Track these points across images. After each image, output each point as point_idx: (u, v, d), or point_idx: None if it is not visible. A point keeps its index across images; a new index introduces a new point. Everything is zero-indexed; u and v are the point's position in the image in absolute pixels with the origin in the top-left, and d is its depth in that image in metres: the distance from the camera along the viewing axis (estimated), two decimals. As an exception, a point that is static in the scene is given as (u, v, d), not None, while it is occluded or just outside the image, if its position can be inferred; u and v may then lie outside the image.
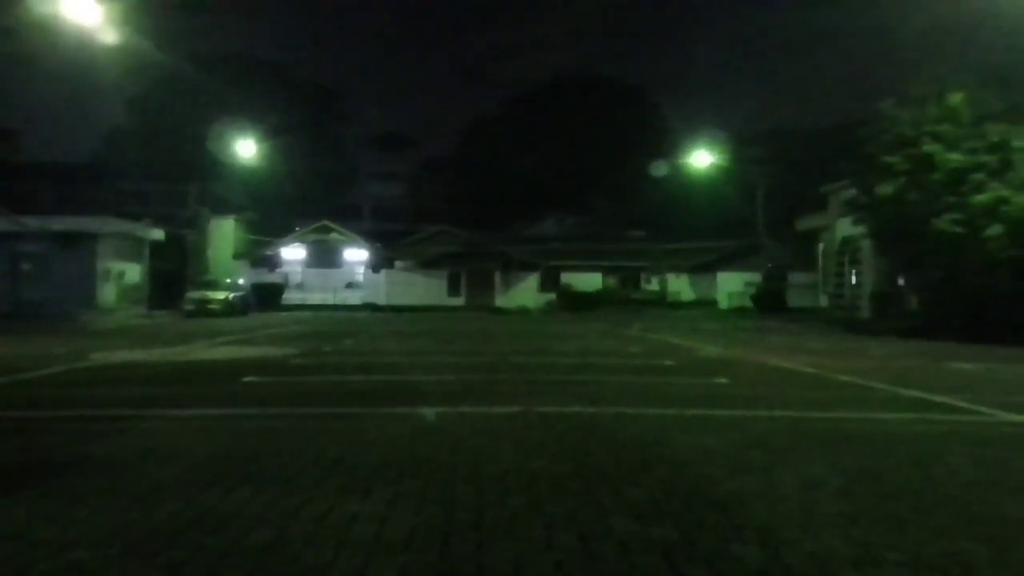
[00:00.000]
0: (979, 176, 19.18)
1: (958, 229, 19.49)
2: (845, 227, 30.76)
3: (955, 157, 19.38)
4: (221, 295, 35.02)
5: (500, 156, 73.18)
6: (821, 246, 36.86)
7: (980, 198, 18.85)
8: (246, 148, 41.37)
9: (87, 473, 4.67)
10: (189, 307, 34.15)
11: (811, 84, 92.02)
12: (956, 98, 20.04)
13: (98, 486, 4.35)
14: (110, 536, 3.49)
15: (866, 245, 29.07)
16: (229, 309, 34.35)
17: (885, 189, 21.14)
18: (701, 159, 39.24)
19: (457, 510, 3.91)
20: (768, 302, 38.25)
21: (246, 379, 9.53)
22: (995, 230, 18.54)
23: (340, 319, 32.00)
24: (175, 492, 4.23)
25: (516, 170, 71.97)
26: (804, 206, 38.77)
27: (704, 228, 49.14)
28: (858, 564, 3.20)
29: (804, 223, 37.63)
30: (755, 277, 43.21)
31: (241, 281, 40.29)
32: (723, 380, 9.69)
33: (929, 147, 20.02)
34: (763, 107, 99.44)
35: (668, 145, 67.42)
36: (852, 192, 26.23)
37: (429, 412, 6.90)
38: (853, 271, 31.01)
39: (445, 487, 4.34)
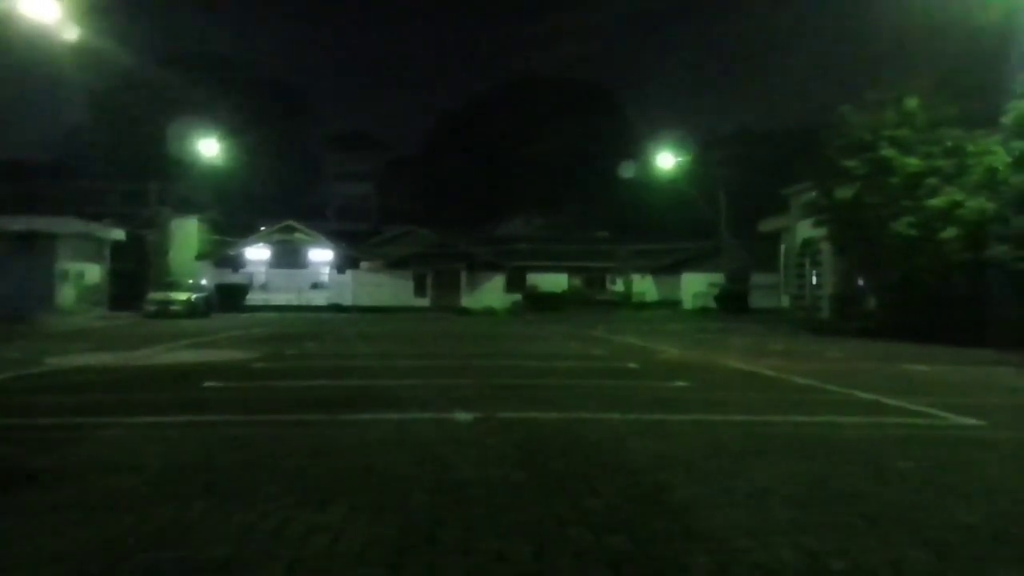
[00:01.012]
0: (935, 180, 19.60)
1: (914, 232, 19.89)
2: (806, 229, 31.20)
3: (912, 161, 19.78)
4: (183, 296, 34.54)
5: (467, 156, 73.18)
6: (783, 247, 37.36)
7: (935, 202, 19.25)
8: (208, 147, 40.93)
9: (37, 486, 4.59)
10: (151, 308, 33.61)
11: (774, 87, 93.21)
12: (912, 103, 20.45)
13: (48, 500, 4.28)
14: (58, 554, 3.44)
15: (826, 247, 29.52)
16: (191, 310, 33.88)
17: (844, 192, 21.51)
18: (666, 161, 39.55)
19: (414, 522, 3.91)
20: (731, 303, 38.71)
21: (207, 384, 9.43)
22: (950, 233, 18.95)
23: (304, 321, 31.76)
24: (130, 505, 4.18)
25: (483, 170, 72.02)
26: (767, 208, 39.28)
27: (669, 229, 49.55)
28: (804, 574, 3.26)
29: (767, 225, 38.10)
30: (719, 278, 43.69)
31: (204, 282, 39.78)
32: (684, 383, 9.78)
33: (887, 151, 20.40)
34: (728, 110, 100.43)
35: (634, 147, 67.97)
36: (812, 195, 26.64)
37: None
38: (813, 272, 31.49)
39: (403, 498, 4.34)
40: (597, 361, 13.26)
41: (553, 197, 66.34)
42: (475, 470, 4.98)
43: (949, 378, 11.32)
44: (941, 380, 11.02)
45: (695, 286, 43.83)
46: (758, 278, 41.65)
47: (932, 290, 21.22)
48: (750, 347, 17.14)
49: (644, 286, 46.20)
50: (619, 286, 45.69)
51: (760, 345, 17.80)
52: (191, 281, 37.93)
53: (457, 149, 74.47)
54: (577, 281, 47.66)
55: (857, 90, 23.67)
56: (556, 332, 22.54)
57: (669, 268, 45.89)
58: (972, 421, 7.10)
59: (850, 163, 21.46)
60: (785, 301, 36.51)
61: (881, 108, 21.42)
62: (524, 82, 78.48)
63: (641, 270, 45.90)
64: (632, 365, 12.33)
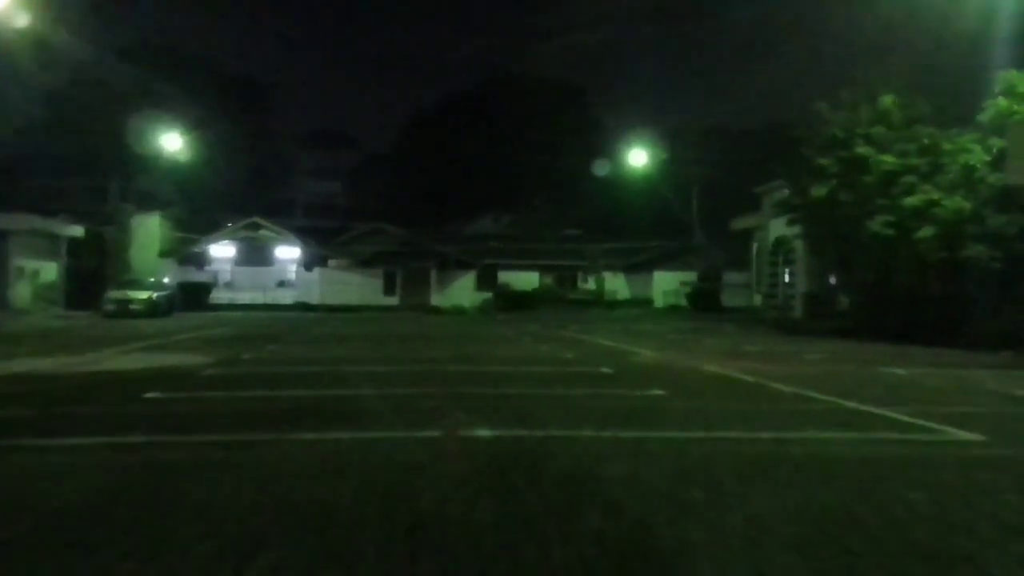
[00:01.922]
0: (910, 179, 19.28)
1: (889, 231, 19.57)
2: (778, 227, 30.91)
3: (887, 159, 19.44)
4: (144, 295, 33.46)
5: (438, 154, 72.32)
6: (755, 246, 37.11)
7: (911, 200, 18.93)
8: (172, 142, 39.79)
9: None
10: (109, 308, 32.53)
11: (745, 87, 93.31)
12: (887, 101, 20.12)
13: (-85, 554, 3.57)
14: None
15: (799, 245, 29.25)
16: (152, 310, 32.85)
17: (818, 191, 21.14)
18: (638, 158, 39.11)
19: (352, 581, 3.27)
20: (703, 301, 38.39)
21: (147, 395, 8.67)
22: (926, 232, 18.62)
23: (269, 320, 30.86)
24: (11, 561, 3.48)
25: (454, 168, 71.22)
26: (739, 206, 39.02)
27: (641, 227, 49.19)
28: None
29: (739, 223, 37.83)
30: (690, 276, 43.39)
31: (166, 280, 38.64)
32: (660, 392, 9.21)
33: (862, 149, 20.05)
34: (699, 109, 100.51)
35: (605, 145, 67.58)
36: (785, 193, 26.31)
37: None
38: (786, 271, 31.20)
39: (345, 545, 3.68)
40: (569, 365, 12.66)
41: (523, 195, 65.74)
42: (432, 505, 4.33)
43: (928, 382, 10.88)
44: (922, 385, 10.57)
45: (666, 284, 43.51)
46: (730, 277, 41.44)
47: (906, 290, 20.95)
48: (725, 349, 16.66)
49: (616, 284, 45.79)
50: (591, 284, 45.24)
51: (735, 346, 17.34)
52: (152, 279, 36.80)
53: (428, 147, 73.60)
54: (548, 279, 47.15)
55: (830, 90, 23.35)
56: (527, 333, 21.94)
57: (641, 266, 45.53)
58: (971, 436, 6.58)
59: (825, 161, 21.11)
60: (757, 300, 36.26)
61: (856, 106, 21.08)
62: (495, 80, 77.79)
63: (613, 268, 45.50)
64: (605, 370, 11.74)
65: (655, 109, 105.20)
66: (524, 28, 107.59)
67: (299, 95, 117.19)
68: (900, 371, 12.15)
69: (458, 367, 11.92)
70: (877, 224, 19.68)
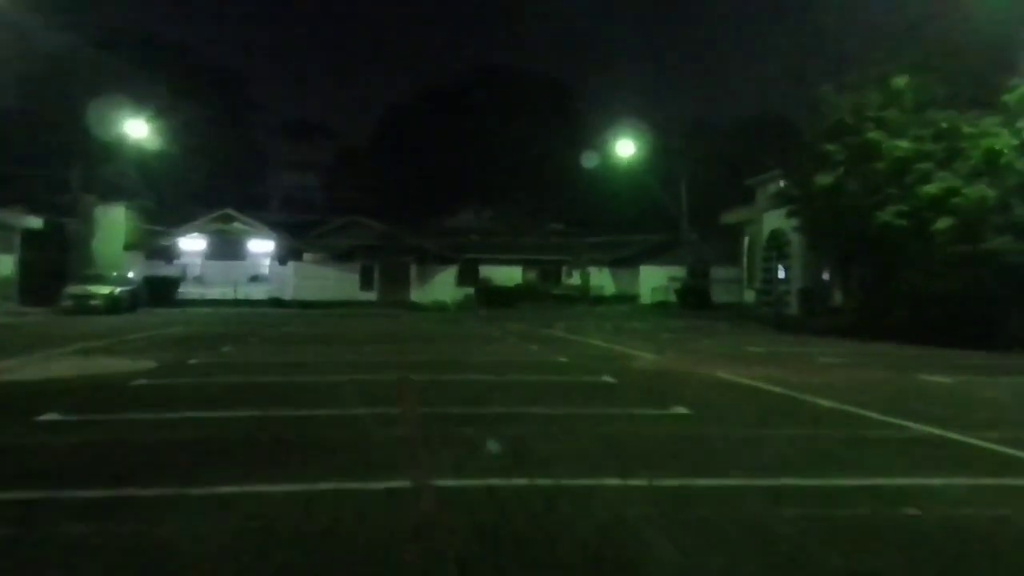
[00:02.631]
0: (926, 165, 17.66)
1: (902, 222, 17.97)
2: (773, 220, 29.37)
3: (901, 144, 17.82)
4: (105, 290, 31.37)
5: (418, 147, 70.30)
6: (746, 240, 35.59)
7: (929, 189, 17.32)
8: (138, 130, 37.59)
9: None
10: (67, 304, 30.49)
11: (732, 79, 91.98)
12: (900, 82, 18.49)
13: None
14: None
15: (795, 239, 27.70)
16: (114, 306, 30.81)
17: (823, 179, 19.50)
18: (626, 148, 37.40)
19: None
20: (692, 298, 36.77)
21: (42, 418, 6.80)
22: (944, 223, 17.03)
23: (236, 316, 28.90)
24: None
25: (433, 161, 69.27)
26: (728, 200, 37.50)
27: (625, 221, 47.55)
28: None
29: (729, 217, 36.29)
30: (678, 272, 41.79)
31: (131, 274, 36.45)
32: (683, 410, 7.46)
33: (872, 134, 18.44)
34: (686, 101, 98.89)
35: (587, 137, 65.86)
36: (781, 184, 24.75)
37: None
38: (781, 266, 29.64)
39: None
40: (565, 373, 10.89)
41: (505, 189, 63.93)
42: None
43: (987, 394, 9.24)
44: (983, 398, 8.91)
45: (654, 280, 41.84)
46: (718, 272, 39.86)
47: (913, 286, 19.38)
48: (727, 351, 14.99)
49: (601, 280, 44.10)
50: (575, 280, 43.52)
51: (737, 346, 15.67)
52: (115, 274, 34.56)
53: (407, 140, 71.55)
54: (531, 275, 45.38)
55: (827, 78, 21.76)
56: (512, 331, 20.17)
57: (626, 261, 43.84)
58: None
59: (831, 147, 19.47)
60: (748, 296, 34.74)
61: (863, 89, 19.46)
62: (475, 72, 75.78)
63: (598, 263, 43.79)
64: (608, 379, 9.98)
65: (641, 102, 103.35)
66: (506, 19, 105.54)
67: (276, 86, 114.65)
68: (944, 379, 10.49)
69: (438, 376, 10.11)
70: (888, 214, 18.09)
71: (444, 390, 8.95)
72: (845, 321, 22.37)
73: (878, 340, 17.29)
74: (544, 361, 12.45)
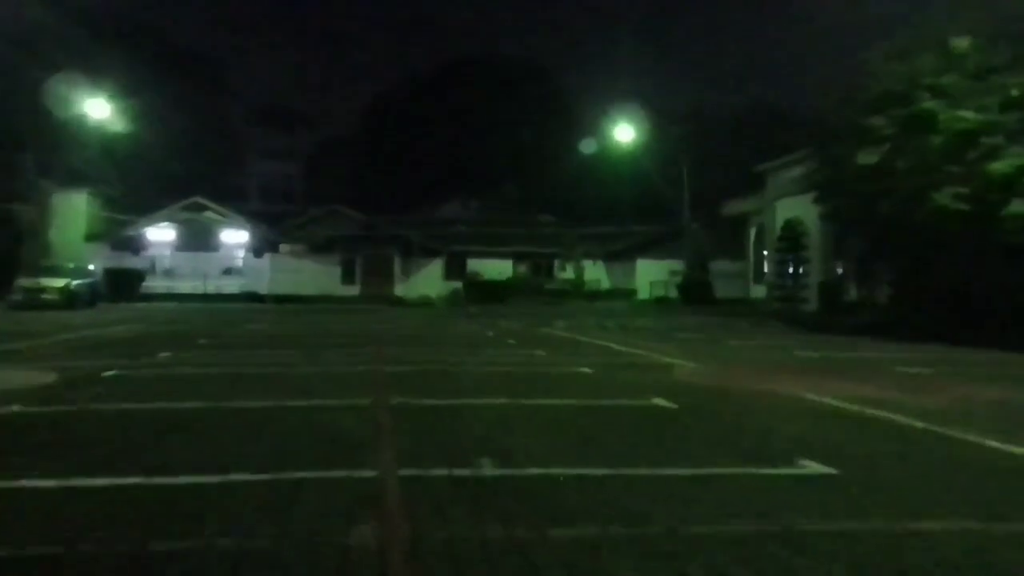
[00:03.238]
0: (994, 140, 15.00)
1: (963, 206, 15.31)
2: (788, 208, 26.76)
3: (965, 116, 15.13)
4: (59, 283, 28.33)
5: (401, 138, 67.28)
6: (752, 232, 32.99)
7: (997, 167, 14.67)
8: (99, 109, 34.41)
9: None
10: (16, 298, 27.53)
11: (724, 67, 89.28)
12: (962, 44, 15.81)
13: None
14: None
15: (814, 229, 25.08)
16: (69, 300, 27.84)
17: (866, 158, 16.78)
18: (624, 134, 34.66)
19: None
20: (694, 293, 34.08)
21: None
22: (1017, 207, 14.40)
23: (201, 313, 25.94)
24: None
25: (417, 152, 66.27)
26: (724, 191, 34.97)
27: (619, 212, 44.86)
28: None
29: (732, 207, 33.67)
30: (676, 265, 39.14)
31: (92, 267, 33.33)
32: (820, 468, 4.66)
33: (928, 104, 15.75)
34: (676, 90, 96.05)
35: (575, 126, 63.10)
36: (795, 171, 22.15)
37: None
38: (795, 259, 26.97)
39: None
40: (597, 392, 8.05)
41: (491, 180, 61.05)
42: None
43: None
44: None
45: (652, 274, 39.13)
46: (719, 266, 37.17)
47: (963, 280, 16.78)
48: (776, 356, 12.29)
49: (595, 273, 41.35)
50: (569, 273, 40.73)
51: (782, 352, 12.95)
52: (73, 265, 31.38)
53: (391, 130, 68.46)
54: (522, 268, 42.61)
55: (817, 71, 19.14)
56: (509, 331, 17.37)
57: (622, 254, 41.13)
58: None
59: (875, 121, 16.78)
60: (755, 291, 32.15)
61: (916, 55, 16.76)
62: (460, 61, 72.56)
63: (591, 256, 41.01)
64: (661, 403, 7.17)
65: (633, 90, 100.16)
66: (491, 5, 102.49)
67: (256, 75, 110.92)
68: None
69: (422, 399, 7.27)
70: (945, 197, 15.42)
71: (436, 420, 6.15)
72: (871, 318, 19.81)
73: (922, 341, 14.69)
74: (563, 374, 9.64)
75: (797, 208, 26.05)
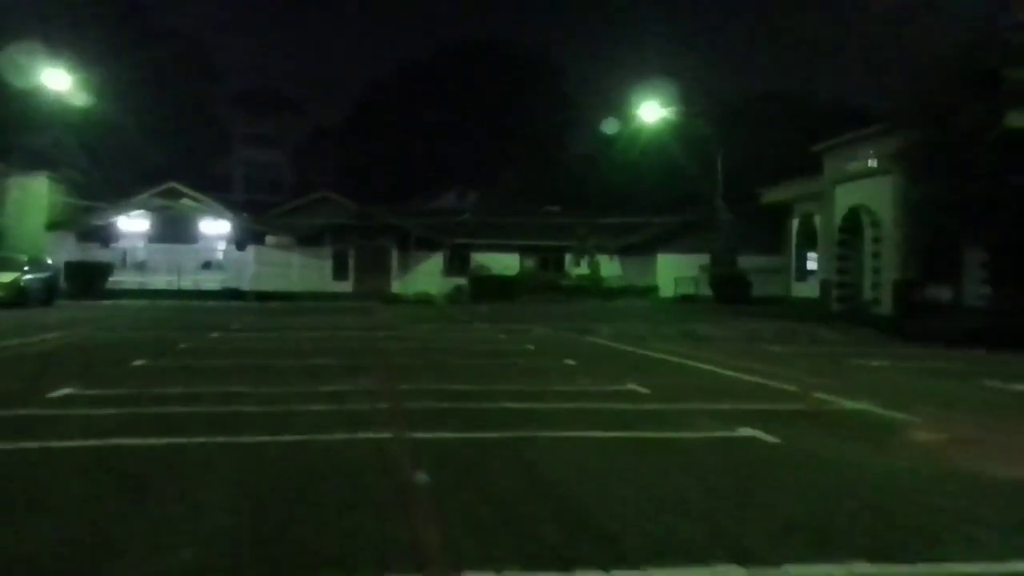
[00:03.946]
0: None
1: None
2: (851, 195, 22.80)
3: None
4: (7, 277, 24.12)
5: (394, 126, 63.02)
6: (794, 222, 29.03)
7: None
8: (58, 82, 30.07)
9: None
10: (-46, 294, 23.34)
11: (732, 53, 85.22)
12: None
13: None
14: None
15: (887, 217, 21.13)
16: (19, 297, 23.73)
17: (1017, 119, 12.82)
18: (650, 113, 30.62)
19: None
20: (730, 291, 30.06)
21: None
22: None
23: (169, 313, 21.82)
24: None
25: (410, 141, 62.07)
26: (752, 180, 31.07)
27: (633, 201, 40.83)
28: None
29: (773, 194, 29.68)
30: (698, 260, 35.21)
31: (50, 259, 29.02)
32: None
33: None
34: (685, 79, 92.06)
35: (576, 111, 59.10)
36: (858, 152, 18.23)
37: None
38: (859, 251, 22.93)
39: None
40: (842, 501, 4.04)
41: (489, 170, 56.94)
42: None
43: None
44: None
45: (676, 269, 35.08)
46: (752, 260, 33.18)
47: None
48: (963, 389, 8.33)
49: (610, 268, 37.28)
50: (581, 268, 36.62)
51: (966, 379, 8.96)
52: (26, 257, 27.01)
53: (383, 119, 64.15)
54: (529, 263, 38.55)
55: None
56: (548, 341, 13.31)
57: (639, 247, 37.04)
58: None
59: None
60: (801, 289, 28.23)
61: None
62: (456, 48, 68.11)
63: (606, 250, 36.90)
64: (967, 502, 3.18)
65: (636, 80, 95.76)
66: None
67: (239, 54, 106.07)
68: None
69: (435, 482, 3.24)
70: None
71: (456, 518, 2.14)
72: (979, 324, 15.88)
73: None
74: (729, 446, 5.53)
75: (862, 193, 22.13)
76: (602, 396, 7.35)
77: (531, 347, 12.26)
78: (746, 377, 8.72)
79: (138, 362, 9.63)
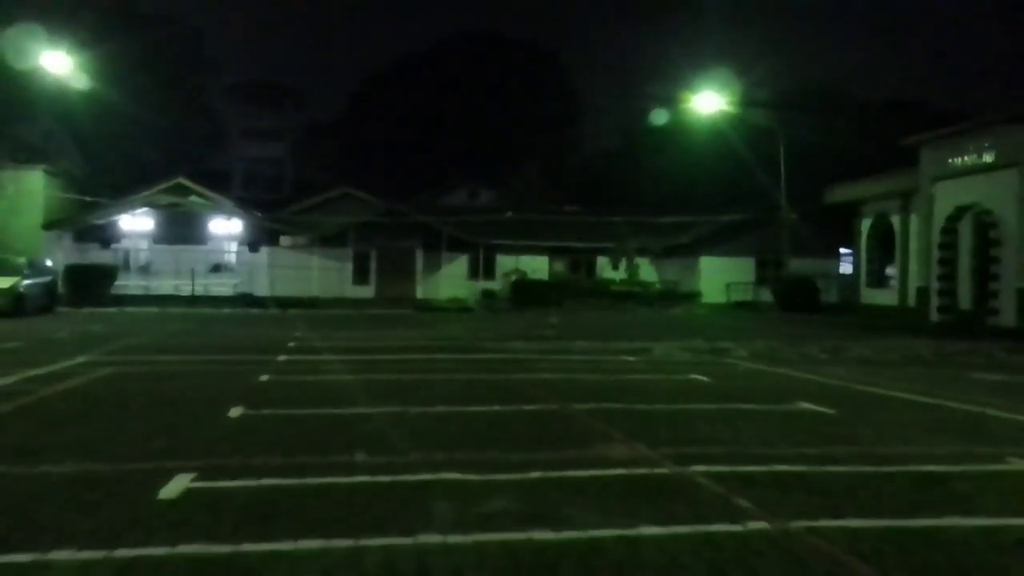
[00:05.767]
0: None
1: None
2: (959, 192, 20.44)
3: None
4: (7, 283, 21.44)
5: (396, 121, 60.17)
6: (865, 223, 26.68)
7: None
8: (57, 64, 27.13)
9: None
10: (-54, 301, 20.61)
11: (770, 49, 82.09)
12: None
13: None
14: None
15: (1010, 216, 18.77)
16: (15, 304, 21.03)
17: None
18: (706, 103, 28.12)
19: None
20: (798, 298, 27.54)
21: None
22: None
23: (192, 326, 19.00)
24: None
25: (416, 136, 59.28)
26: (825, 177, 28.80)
27: (673, 200, 38.30)
28: None
29: (839, 193, 27.34)
30: (743, 264, 32.81)
31: (49, 262, 26.09)
32: None
33: None
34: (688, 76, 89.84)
35: (584, 109, 56.72)
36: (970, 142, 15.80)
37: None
38: (973, 256, 20.55)
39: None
40: None
41: (501, 167, 54.20)
42: None
43: None
44: None
45: (724, 273, 32.59)
46: (808, 264, 30.70)
47: None
48: None
49: (648, 272, 34.71)
50: (621, 272, 34.04)
51: None
52: (25, 260, 24.03)
53: (386, 112, 61.24)
54: (559, 265, 35.98)
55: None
56: (694, 367, 10.66)
57: (681, 249, 34.49)
58: None
59: None
60: (875, 296, 25.90)
61: None
62: (459, 40, 65.32)
63: (648, 252, 34.28)
64: None
65: (636, 74, 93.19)
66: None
67: (236, 44, 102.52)
68: None
69: None
70: None
71: None
72: None
73: None
74: None
75: (974, 190, 19.78)
76: (979, 476, 4.74)
77: (705, 379, 9.65)
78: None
79: (234, 412, 6.91)
